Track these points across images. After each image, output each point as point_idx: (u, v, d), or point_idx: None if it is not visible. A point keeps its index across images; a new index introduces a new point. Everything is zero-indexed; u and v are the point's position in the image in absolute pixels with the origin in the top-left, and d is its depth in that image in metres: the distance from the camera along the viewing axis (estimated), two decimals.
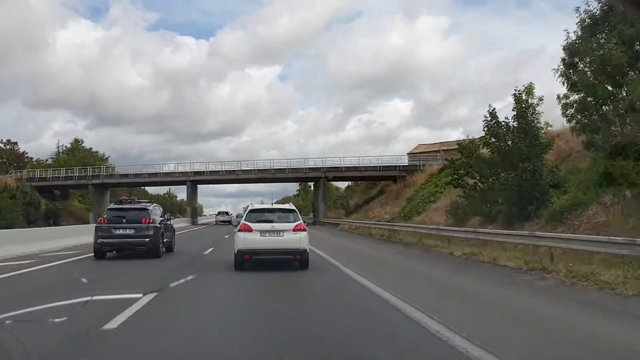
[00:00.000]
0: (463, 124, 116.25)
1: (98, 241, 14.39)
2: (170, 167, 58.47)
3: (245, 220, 11.63)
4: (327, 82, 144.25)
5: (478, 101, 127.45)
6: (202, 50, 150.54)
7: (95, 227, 14.93)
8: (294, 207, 12.26)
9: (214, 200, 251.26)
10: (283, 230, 11.32)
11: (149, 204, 16.06)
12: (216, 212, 62.29)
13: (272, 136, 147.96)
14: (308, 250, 11.56)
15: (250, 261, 11.22)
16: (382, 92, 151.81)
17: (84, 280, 8.21)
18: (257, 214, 11.78)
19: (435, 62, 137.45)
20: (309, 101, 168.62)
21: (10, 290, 8.97)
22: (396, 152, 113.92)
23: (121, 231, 14.44)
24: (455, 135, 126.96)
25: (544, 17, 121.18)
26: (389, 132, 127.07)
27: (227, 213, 56.40)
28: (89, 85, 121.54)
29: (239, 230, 11.52)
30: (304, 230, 11.49)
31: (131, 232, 14.45)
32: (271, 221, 11.52)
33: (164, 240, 15.53)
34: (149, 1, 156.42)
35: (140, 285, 8.83)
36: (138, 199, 19.79)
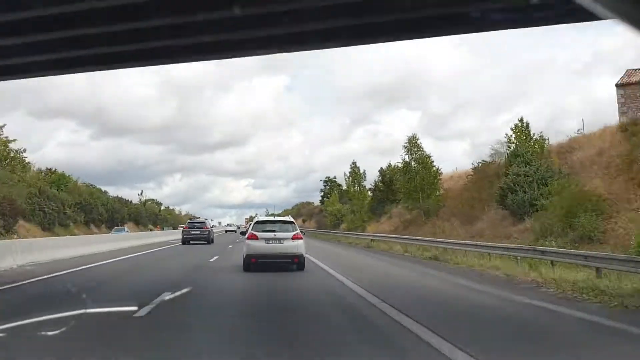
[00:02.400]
0: (470, 135, 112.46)
1: (184, 236, 30.82)
2: None
3: (252, 230, 13.78)
4: (334, 92, 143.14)
5: (486, 112, 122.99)
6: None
7: (183, 230, 32.32)
8: (292, 219, 14.63)
9: (220, 212, 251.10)
10: (283, 239, 13.40)
11: (205, 219, 36.82)
12: (226, 224, 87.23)
13: (278, 146, 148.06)
14: (304, 255, 13.67)
15: (257, 263, 13.28)
16: (389, 102, 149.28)
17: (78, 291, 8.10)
18: (262, 225, 14.01)
19: (443, 72, 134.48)
20: (315, 111, 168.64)
21: (2, 301, 8.86)
22: None
23: (194, 232, 31.05)
24: (461, 146, 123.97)
25: (550, 29, 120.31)
26: (395, 142, 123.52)
27: (233, 224, 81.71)
28: (94, 94, 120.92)
29: (247, 239, 13.70)
30: (301, 238, 13.64)
31: (198, 232, 31.09)
32: (273, 231, 13.59)
33: (211, 237, 32.06)
34: None
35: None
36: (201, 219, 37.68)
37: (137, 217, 67.76)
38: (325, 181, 66.07)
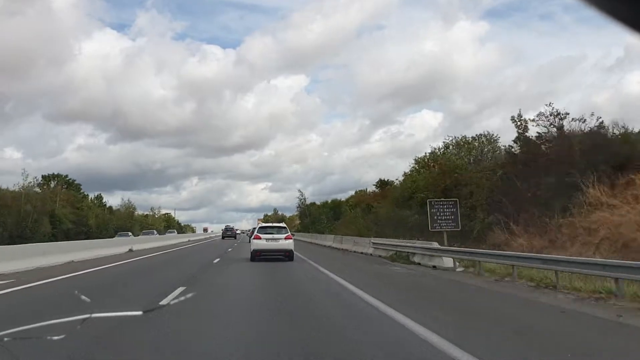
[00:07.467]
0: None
1: (223, 235, 65.50)
2: None
3: (257, 232, 19.85)
4: (354, 92, 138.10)
5: (511, 111, 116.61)
6: (229, 60, 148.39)
7: (222, 232, 67.97)
8: (285, 225, 20.85)
9: (236, 215, 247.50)
10: (279, 239, 19.17)
11: (233, 226, 73.22)
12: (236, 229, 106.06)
13: (296, 149, 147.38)
14: (293, 250, 19.31)
15: (260, 257, 18.73)
16: (411, 103, 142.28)
17: (83, 297, 8.14)
18: (264, 229, 20.05)
19: (468, 71, 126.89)
20: (334, 113, 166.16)
21: (10, 306, 8.92)
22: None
23: (228, 233, 65.19)
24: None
25: (567, 29, 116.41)
26: (417, 144, 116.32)
27: (238, 229, 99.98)
28: (112, 97, 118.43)
29: (254, 239, 19.58)
30: (291, 238, 19.57)
31: (230, 233, 65.46)
32: (272, 233, 19.47)
33: (236, 236, 67.51)
34: (177, 11, 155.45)
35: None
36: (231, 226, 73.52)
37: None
38: None
